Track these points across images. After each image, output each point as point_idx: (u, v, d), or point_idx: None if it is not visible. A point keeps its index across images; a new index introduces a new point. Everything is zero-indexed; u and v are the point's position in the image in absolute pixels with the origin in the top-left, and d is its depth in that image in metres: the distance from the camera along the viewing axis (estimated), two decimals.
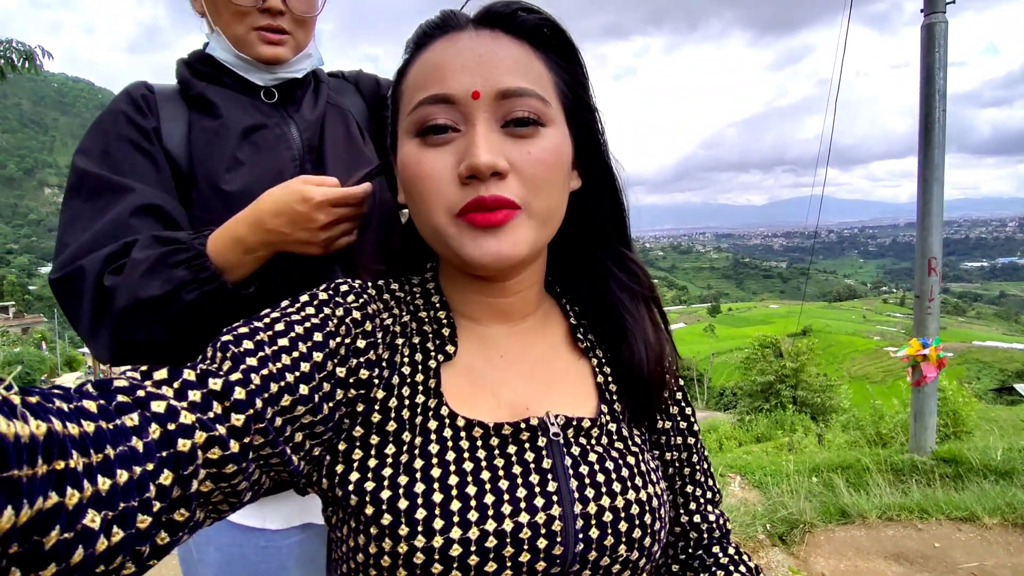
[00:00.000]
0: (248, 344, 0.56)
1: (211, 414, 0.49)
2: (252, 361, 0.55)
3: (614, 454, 0.68)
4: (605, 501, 0.63)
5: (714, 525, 0.81)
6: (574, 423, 0.67)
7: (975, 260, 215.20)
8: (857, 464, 4.47)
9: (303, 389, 0.56)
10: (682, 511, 0.80)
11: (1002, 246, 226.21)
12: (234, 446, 0.49)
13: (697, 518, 0.80)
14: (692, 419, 0.82)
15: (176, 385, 0.49)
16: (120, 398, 0.44)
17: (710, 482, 0.82)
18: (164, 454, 0.44)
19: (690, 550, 0.80)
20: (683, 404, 0.82)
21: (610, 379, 0.75)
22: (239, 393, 0.51)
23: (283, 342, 0.58)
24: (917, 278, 4.61)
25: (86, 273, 0.88)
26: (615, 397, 0.74)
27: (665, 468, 0.79)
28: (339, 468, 0.61)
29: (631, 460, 0.69)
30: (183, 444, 0.45)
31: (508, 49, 0.64)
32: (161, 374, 0.50)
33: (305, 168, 1.08)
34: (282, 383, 0.55)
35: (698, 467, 0.81)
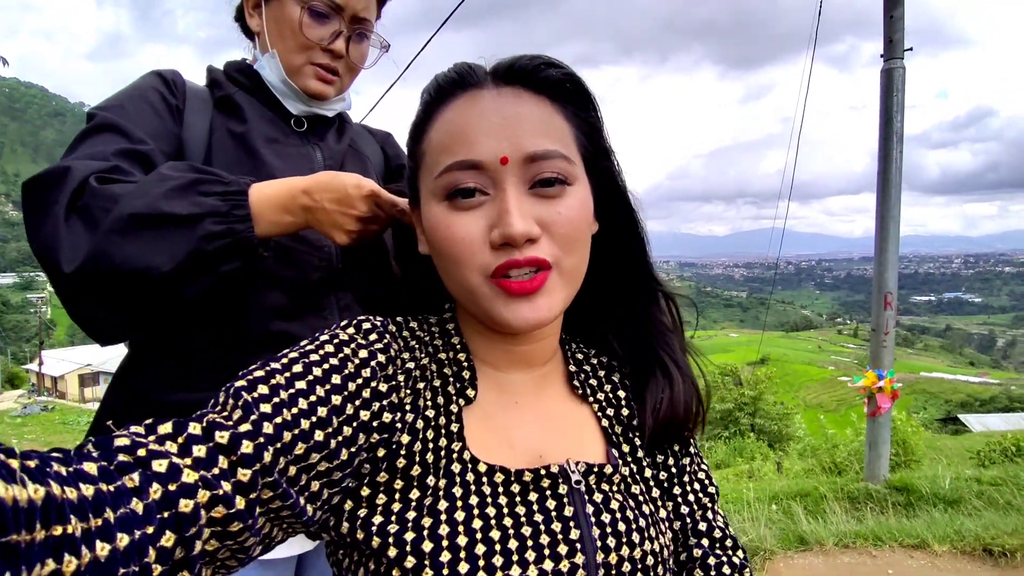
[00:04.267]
0: (263, 389, 0.55)
1: (216, 470, 0.48)
2: (266, 408, 0.53)
3: (632, 502, 0.68)
4: (625, 551, 0.63)
5: (713, 573, 0.75)
6: (595, 470, 0.67)
7: (923, 294, 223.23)
8: (815, 492, 4.56)
9: (318, 435, 0.55)
10: (682, 553, 0.77)
11: (948, 281, 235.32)
12: (240, 503, 0.48)
13: (692, 563, 0.76)
14: (698, 459, 0.81)
15: (180, 440, 0.48)
16: (121, 457, 0.44)
17: (719, 523, 0.79)
18: (165, 515, 0.43)
19: None
20: (689, 444, 0.79)
21: (613, 422, 0.74)
22: (247, 447, 0.50)
23: (300, 385, 0.57)
24: (874, 312, 4.76)
25: (72, 172, 0.83)
26: (620, 440, 0.73)
27: (674, 511, 0.77)
28: (362, 512, 0.60)
29: (647, 509, 0.69)
30: (185, 504, 0.44)
31: (531, 109, 0.64)
32: (165, 428, 0.49)
33: None
34: (296, 431, 0.54)
35: (708, 510, 0.79)
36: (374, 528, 0.59)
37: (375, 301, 0.78)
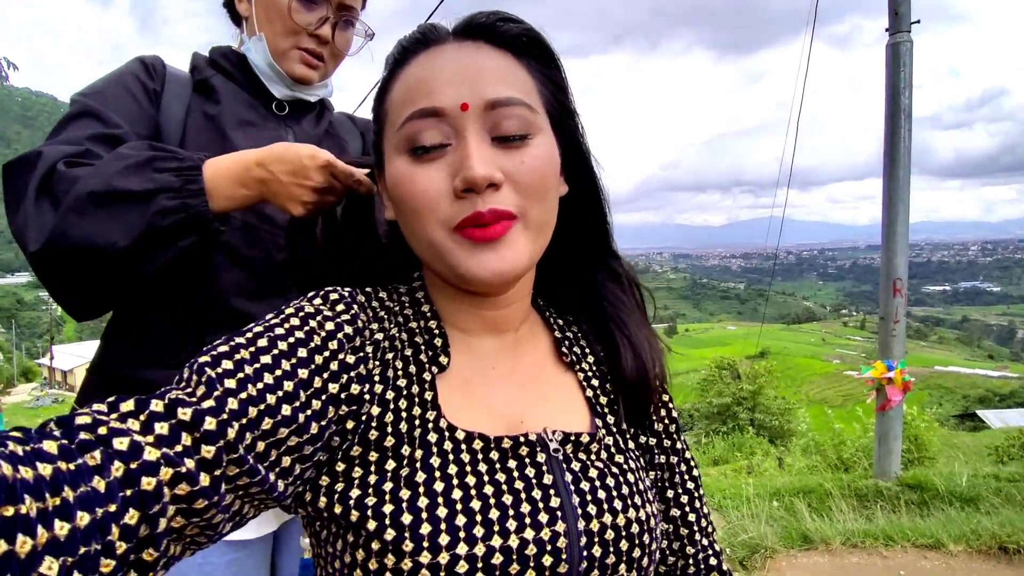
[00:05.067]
0: (227, 364, 0.54)
1: (179, 447, 0.47)
2: (230, 383, 0.53)
3: (614, 470, 0.67)
4: (607, 519, 0.62)
5: (700, 556, 0.77)
6: (572, 438, 0.67)
7: (937, 284, 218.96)
8: (819, 489, 4.46)
9: (285, 410, 0.54)
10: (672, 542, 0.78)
11: (964, 270, 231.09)
12: (204, 480, 0.47)
13: (678, 544, 0.77)
14: (677, 437, 0.80)
15: (143, 417, 0.47)
16: (82, 436, 0.43)
17: (698, 506, 0.79)
18: (128, 493, 0.42)
19: None
20: (668, 421, 0.79)
21: (598, 392, 0.74)
22: (209, 423, 0.49)
23: (265, 359, 0.56)
24: (882, 299, 4.60)
25: (43, 157, 0.88)
26: (606, 410, 0.73)
27: (659, 492, 0.78)
28: (338, 486, 0.60)
29: (630, 477, 0.68)
30: (147, 482, 0.43)
31: (493, 59, 0.64)
32: (128, 406, 0.48)
33: None
34: (262, 405, 0.53)
35: (682, 490, 0.78)
36: (351, 502, 0.58)
37: (337, 279, 0.74)
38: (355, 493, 0.59)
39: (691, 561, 0.76)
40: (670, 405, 0.80)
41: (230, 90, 1.14)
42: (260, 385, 0.54)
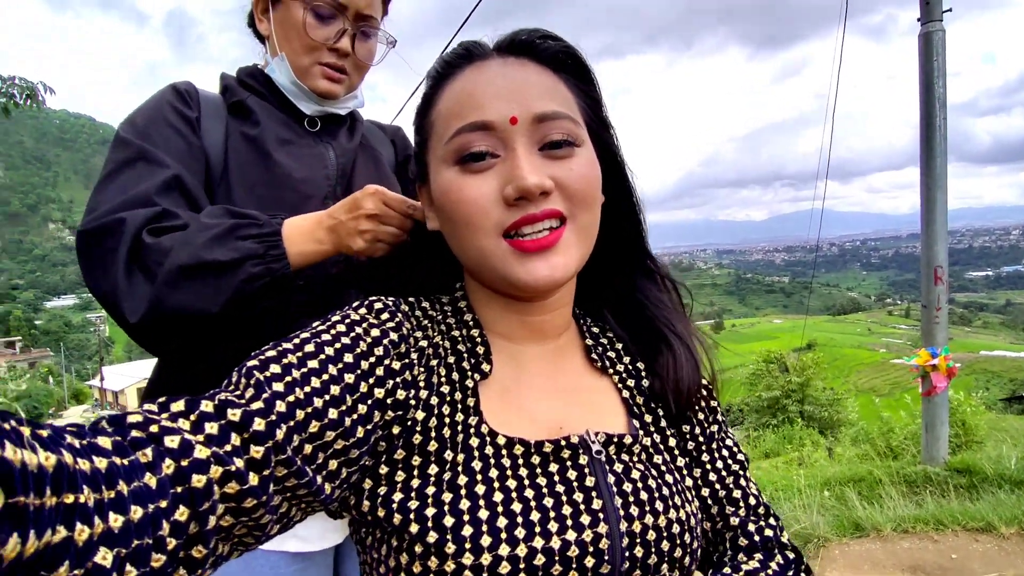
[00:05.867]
0: (275, 368, 0.56)
1: (228, 447, 0.48)
2: (278, 387, 0.54)
3: (654, 471, 0.68)
4: (648, 520, 0.63)
5: (756, 539, 0.74)
6: (615, 440, 0.67)
7: (979, 269, 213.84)
8: (869, 477, 4.44)
9: (332, 413, 0.56)
10: (718, 522, 0.75)
11: (1006, 255, 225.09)
12: (253, 479, 0.48)
13: (731, 531, 0.75)
14: (720, 426, 0.79)
15: (193, 417, 0.49)
16: (134, 433, 0.44)
17: (743, 484, 0.77)
18: (179, 490, 0.43)
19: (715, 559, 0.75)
20: (709, 412, 0.79)
21: (635, 392, 0.75)
22: (259, 424, 0.50)
23: (312, 364, 0.58)
24: (924, 288, 4.60)
25: (126, 225, 0.89)
26: (643, 410, 0.74)
27: (702, 478, 0.76)
28: (381, 490, 0.61)
29: (670, 478, 0.69)
30: (198, 480, 0.44)
31: (537, 75, 0.67)
32: (178, 406, 0.49)
33: (336, 191, 1.13)
34: (309, 408, 0.54)
35: (727, 472, 0.77)
36: (394, 505, 0.59)
37: (388, 289, 0.78)
38: (398, 497, 0.59)
39: (740, 532, 0.74)
40: (713, 395, 0.79)
41: (265, 110, 1.13)
42: (307, 389, 0.55)
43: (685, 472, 0.73)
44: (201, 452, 0.46)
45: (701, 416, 0.78)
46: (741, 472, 0.78)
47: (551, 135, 0.64)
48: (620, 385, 0.75)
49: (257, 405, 0.52)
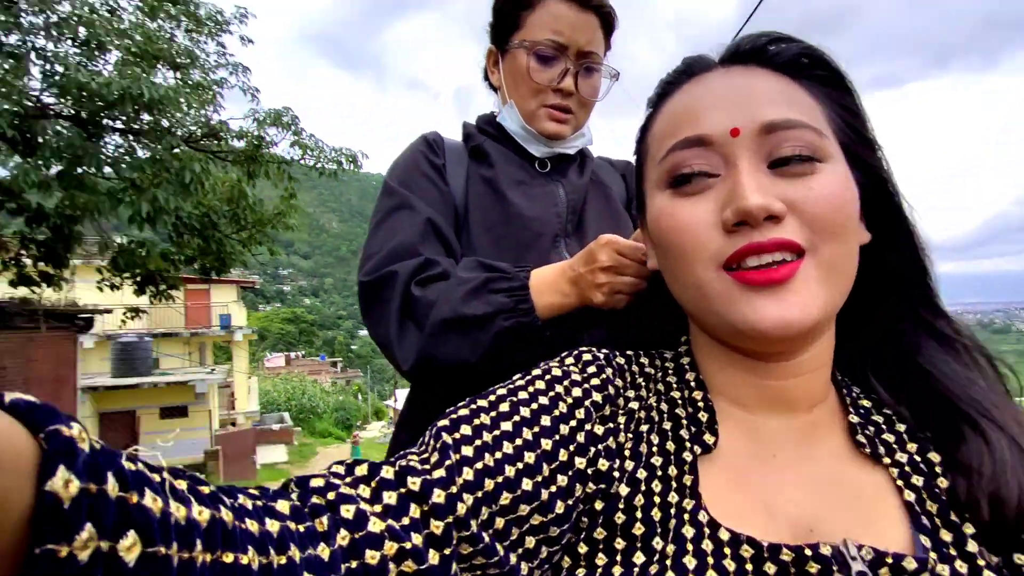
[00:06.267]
0: (466, 429, 0.51)
1: (406, 520, 0.44)
2: (467, 451, 0.50)
3: None
4: None
5: None
6: (888, 560, 0.47)
7: None
8: None
9: (526, 484, 0.50)
10: None
11: None
12: (433, 558, 0.44)
13: None
14: None
15: (373, 484, 0.46)
16: (314, 499, 0.43)
17: None
18: (353, 565, 0.40)
19: None
20: None
21: (924, 496, 0.52)
22: (438, 496, 0.46)
23: (506, 426, 0.52)
24: None
25: (398, 278, 0.97)
26: (938, 523, 0.51)
27: None
28: (580, 572, 0.51)
29: None
30: (371, 556, 0.41)
31: (768, 82, 0.55)
32: (362, 470, 0.47)
33: (567, 228, 1.16)
34: (499, 478, 0.49)
35: None
36: None
37: (623, 340, 0.73)
38: None
39: None
40: None
41: (500, 153, 1.18)
42: (498, 455, 0.50)
43: None
44: (376, 525, 0.42)
45: None
46: None
47: (783, 148, 0.52)
48: (901, 481, 0.53)
49: (439, 473, 0.47)
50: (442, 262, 1.01)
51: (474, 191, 1.14)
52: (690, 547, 0.49)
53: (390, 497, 0.45)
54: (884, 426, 0.58)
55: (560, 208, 1.16)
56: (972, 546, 0.49)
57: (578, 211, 1.19)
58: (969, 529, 0.50)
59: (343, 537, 0.40)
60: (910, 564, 0.46)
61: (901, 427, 0.58)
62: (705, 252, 0.53)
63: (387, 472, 0.46)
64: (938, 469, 0.54)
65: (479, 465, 0.49)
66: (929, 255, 0.60)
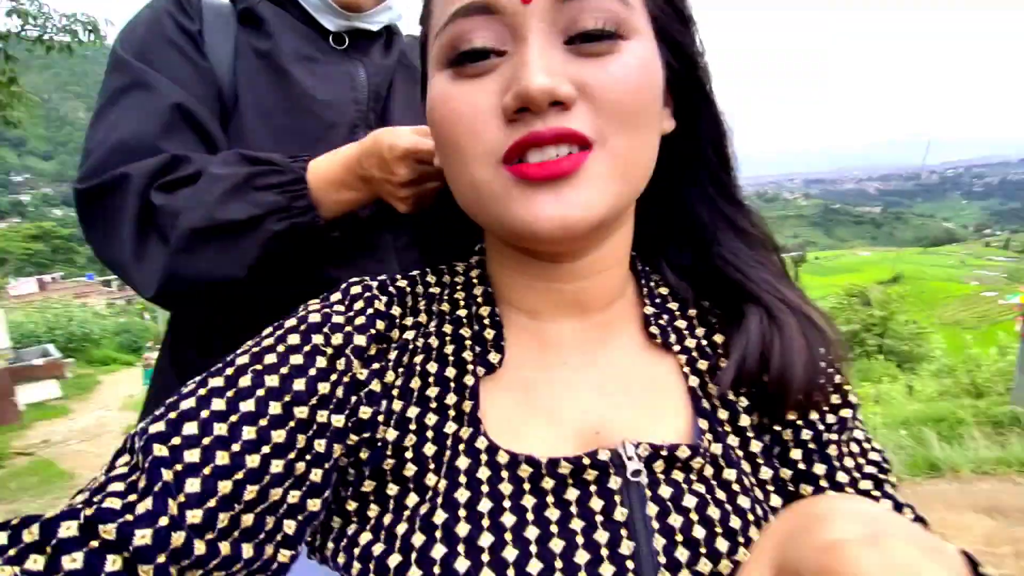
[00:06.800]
0: (190, 428, 0.43)
1: None
2: (192, 456, 0.42)
3: (720, 495, 0.48)
4: (704, 567, 0.45)
5: None
6: (663, 453, 0.48)
7: None
8: (951, 416, 4.38)
9: (276, 466, 0.44)
10: None
11: None
12: None
13: None
14: (853, 423, 0.55)
15: (49, 551, 0.37)
16: None
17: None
18: None
19: None
20: (839, 408, 0.54)
21: (706, 379, 0.54)
22: (141, 537, 0.38)
23: (247, 407, 0.45)
24: None
25: (131, 183, 0.78)
26: (717, 403, 0.53)
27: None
28: (350, 529, 0.48)
29: (745, 502, 0.49)
30: None
31: None
32: (31, 534, 0.37)
33: (368, 118, 0.97)
34: (240, 473, 0.42)
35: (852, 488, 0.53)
36: (357, 550, 0.46)
37: (430, 235, 0.63)
38: (364, 539, 0.47)
39: None
40: (844, 389, 0.55)
41: (282, 19, 0.96)
42: (236, 447, 0.43)
43: (773, 489, 0.51)
44: None
45: (815, 415, 0.53)
46: (875, 485, 0.53)
47: (582, 19, 0.44)
48: (688, 368, 0.54)
49: (144, 507, 0.39)
50: (195, 159, 0.81)
51: (245, 67, 0.92)
52: (463, 479, 0.47)
53: (72, 561, 0.36)
54: (677, 312, 0.58)
55: (360, 93, 0.96)
56: (744, 420, 0.52)
57: (382, 97, 0.99)
58: (744, 402, 0.53)
59: None
60: (683, 452, 0.48)
61: (692, 312, 0.58)
62: (481, 145, 0.46)
63: (67, 529, 0.37)
64: (721, 351, 0.55)
65: (207, 470, 0.41)
66: (732, 144, 0.57)
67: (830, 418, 0.53)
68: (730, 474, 0.49)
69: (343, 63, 0.98)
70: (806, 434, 0.52)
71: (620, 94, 0.45)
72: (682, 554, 0.45)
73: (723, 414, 0.52)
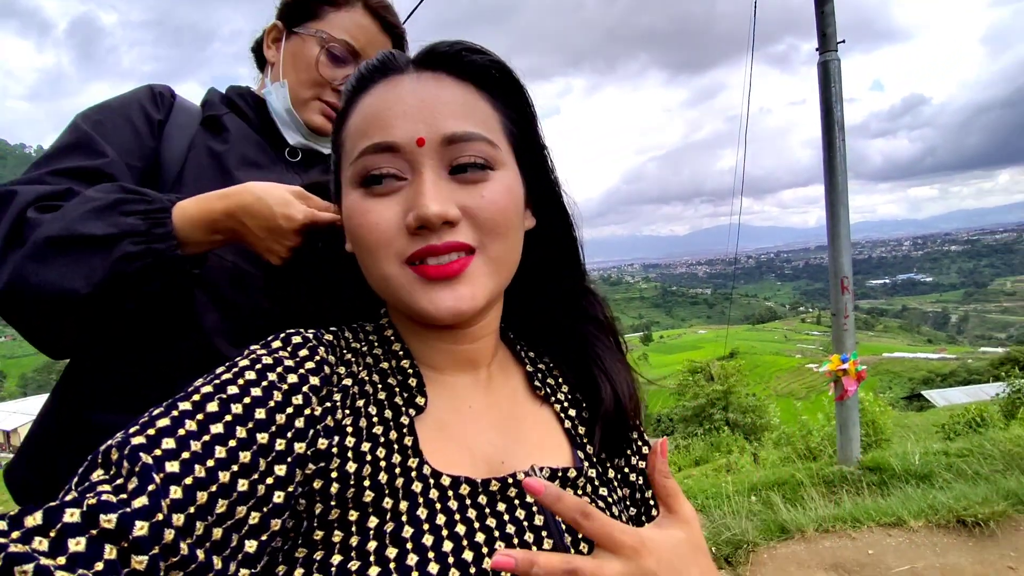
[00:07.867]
0: (169, 443, 0.47)
1: (100, 565, 0.39)
2: (173, 466, 0.45)
3: (600, 504, 0.66)
4: None
5: None
6: (559, 474, 0.65)
7: (878, 278, 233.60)
8: (791, 480, 4.62)
9: (242, 485, 0.48)
10: None
11: (900, 264, 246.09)
12: None
13: None
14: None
15: (53, 534, 0.39)
16: None
17: None
18: None
19: None
20: (640, 446, 0.77)
21: (576, 423, 0.72)
22: (140, 528, 0.41)
23: (217, 429, 0.49)
24: (832, 297, 4.89)
25: (16, 197, 0.81)
26: (585, 441, 0.71)
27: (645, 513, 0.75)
28: (318, 555, 0.53)
29: (615, 510, 0.67)
30: None
31: (452, 92, 0.62)
32: (34, 519, 0.40)
33: None
34: (213, 487, 0.46)
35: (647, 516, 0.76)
36: (333, 569, 0.52)
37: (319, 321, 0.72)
38: (337, 559, 0.52)
39: None
40: (642, 431, 0.78)
41: (241, 130, 1.10)
42: (211, 463, 0.47)
43: (626, 503, 0.72)
44: None
45: (631, 451, 0.76)
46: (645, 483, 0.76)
47: (461, 158, 0.60)
48: (562, 414, 0.72)
49: (140, 502, 0.42)
50: (105, 184, 0.86)
51: (195, 161, 1.03)
52: (420, 500, 0.57)
53: (77, 544, 0.39)
54: (547, 372, 0.76)
55: None
56: (602, 454, 0.72)
57: None
58: (597, 442, 0.71)
59: None
60: (572, 473, 0.66)
61: (556, 372, 0.76)
62: (391, 249, 0.59)
63: (71, 515, 0.40)
64: (583, 403, 0.74)
65: (188, 480, 0.46)
66: (581, 240, 0.75)
67: (640, 456, 0.76)
68: (603, 491, 0.68)
69: (285, 174, 1.11)
70: (635, 465, 0.75)
71: (492, 213, 0.60)
72: (584, 547, 0.61)
73: (591, 449, 0.71)
